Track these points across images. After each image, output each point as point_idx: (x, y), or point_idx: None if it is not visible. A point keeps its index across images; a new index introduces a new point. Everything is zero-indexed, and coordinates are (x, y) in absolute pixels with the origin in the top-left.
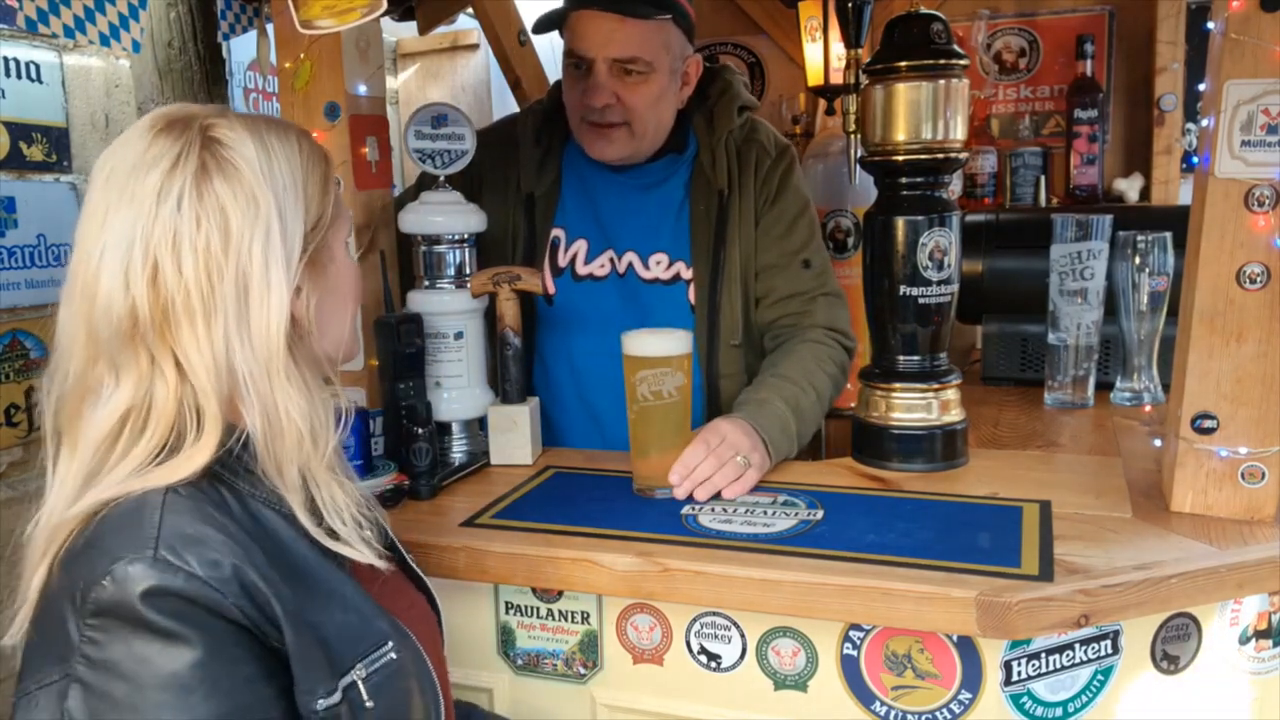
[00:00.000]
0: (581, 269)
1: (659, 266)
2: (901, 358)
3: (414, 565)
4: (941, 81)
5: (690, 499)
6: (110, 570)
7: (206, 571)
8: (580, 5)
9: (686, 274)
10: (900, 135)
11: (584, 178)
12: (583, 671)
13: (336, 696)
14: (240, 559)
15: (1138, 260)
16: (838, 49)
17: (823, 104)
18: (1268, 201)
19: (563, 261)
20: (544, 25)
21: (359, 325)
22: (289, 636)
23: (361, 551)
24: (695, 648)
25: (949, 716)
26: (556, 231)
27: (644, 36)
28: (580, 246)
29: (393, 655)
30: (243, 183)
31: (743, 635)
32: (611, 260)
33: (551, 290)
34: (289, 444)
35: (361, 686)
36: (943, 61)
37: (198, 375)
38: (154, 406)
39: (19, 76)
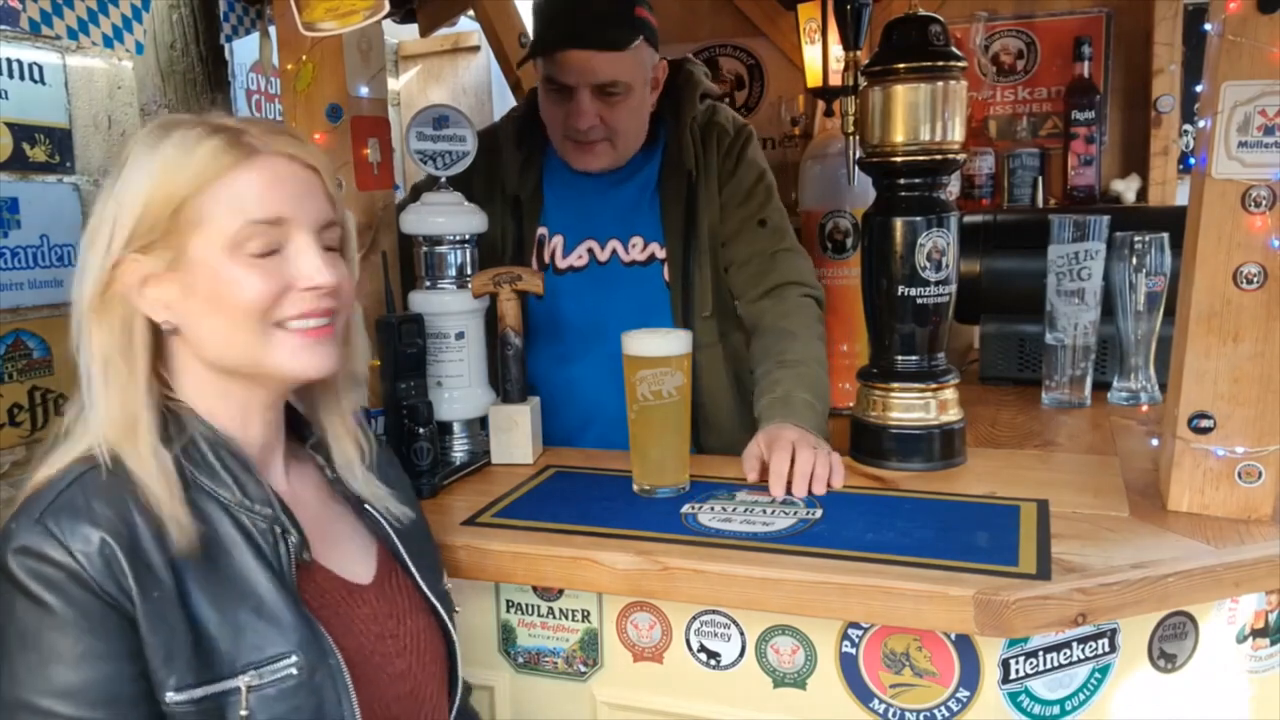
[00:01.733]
0: (561, 262)
1: (636, 249)
2: (899, 357)
3: (425, 590)
4: (939, 83)
5: (690, 498)
6: (7, 525)
7: (74, 543)
8: (560, 46)
9: (661, 254)
10: (898, 137)
11: (563, 177)
12: (583, 669)
13: (195, 693)
14: (117, 536)
15: (1135, 261)
16: (836, 51)
17: (821, 105)
18: (1264, 202)
19: (547, 257)
20: (533, 54)
21: (274, 336)
22: (143, 622)
23: None
24: (695, 646)
25: (947, 714)
26: (541, 230)
27: (621, 62)
28: (558, 241)
29: (293, 671)
30: (112, 180)
31: (742, 633)
32: (591, 250)
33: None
34: (102, 426)
35: (245, 694)
36: (941, 63)
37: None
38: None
39: (22, 78)
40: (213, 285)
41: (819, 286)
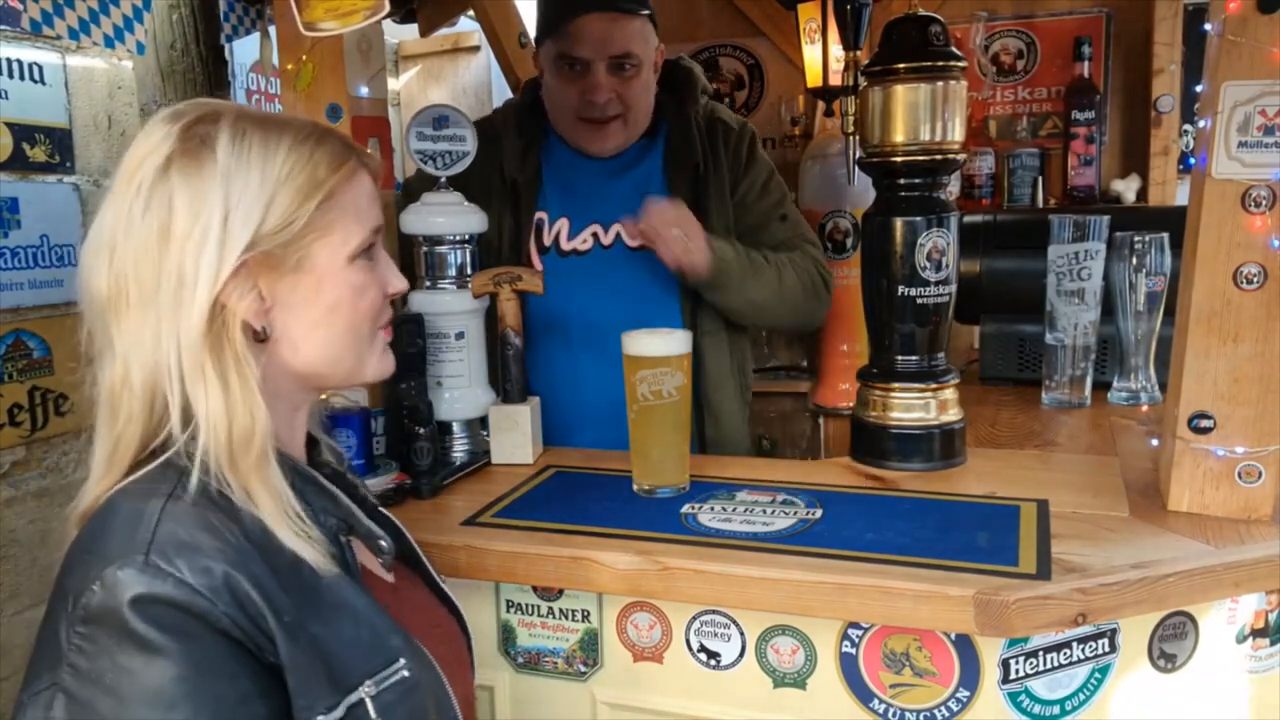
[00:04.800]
0: (565, 245)
1: None
2: (899, 357)
3: (443, 585)
4: (940, 83)
5: (690, 498)
6: (101, 575)
7: (197, 579)
8: (580, 11)
9: None
10: (898, 137)
11: (563, 165)
12: (583, 669)
13: (339, 713)
14: (235, 566)
15: (1135, 261)
16: (836, 51)
17: (821, 105)
18: (1264, 202)
19: (548, 240)
20: (545, 35)
21: (375, 342)
22: (284, 650)
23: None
24: (695, 646)
25: (947, 714)
26: (540, 215)
27: (634, 33)
28: (563, 225)
29: (405, 673)
30: (200, 177)
31: (742, 633)
32: (595, 234)
33: (539, 269)
34: (209, 442)
35: (370, 704)
36: (941, 63)
37: (130, 365)
38: (102, 391)
39: (22, 78)
40: (336, 292)
41: (830, 275)
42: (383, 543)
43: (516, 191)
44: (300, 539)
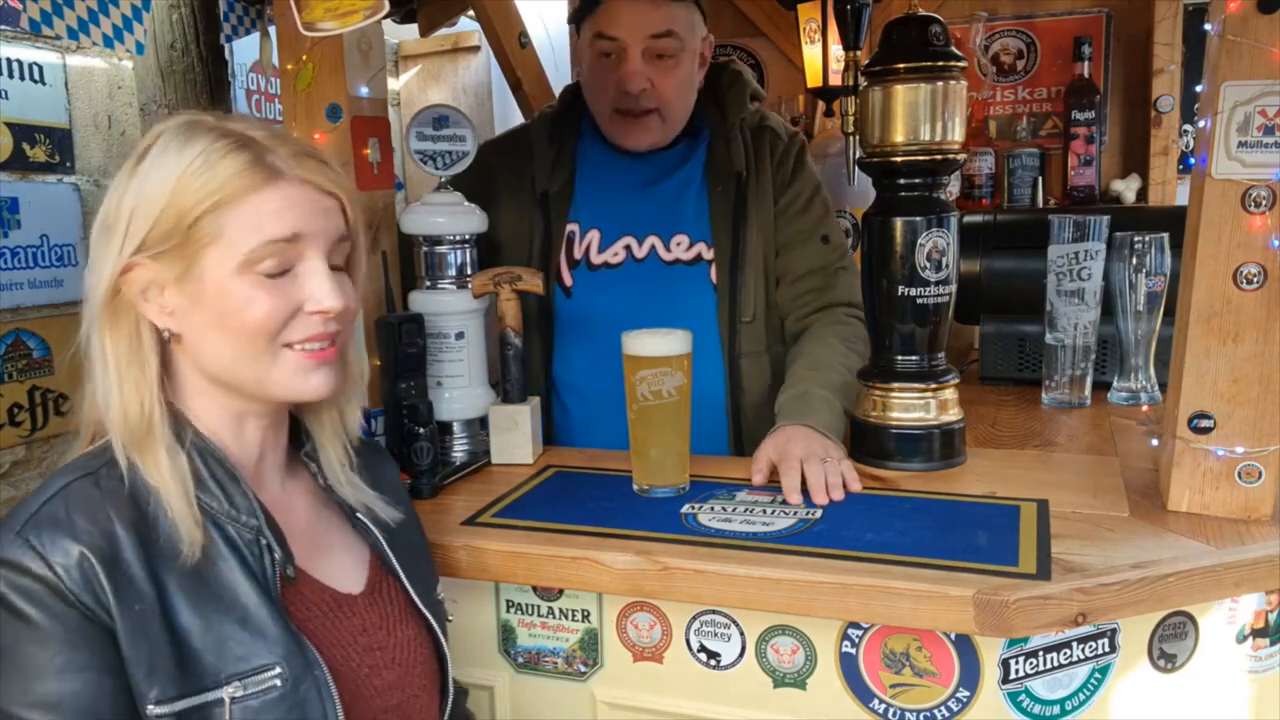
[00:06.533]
0: (596, 258)
1: (679, 248)
2: (900, 357)
3: (416, 600)
4: (939, 83)
5: (690, 498)
6: None
7: (53, 555)
8: None
9: (708, 254)
10: (898, 137)
11: (597, 172)
12: (583, 669)
13: (185, 704)
14: (95, 550)
15: (1135, 261)
16: (836, 51)
17: (821, 105)
18: (1264, 202)
19: (578, 254)
20: (583, 14)
21: (281, 359)
22: (122, 634)
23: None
24: (695, 646)
25: (947, 714)
26: (571, 226)
27: (674, 15)
28: (593, 236)
29: (277, 683)
30: (132, 177)
31: (742, 633)
32: (628, 247)
33: (569, 283)
34: (110, 421)
35: (230, 705)
36: (941, 63)
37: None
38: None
39: (22, 77)
40: (222, 302)
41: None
42: (275, 554)
43: (547, 203)
44: (181, 517)
